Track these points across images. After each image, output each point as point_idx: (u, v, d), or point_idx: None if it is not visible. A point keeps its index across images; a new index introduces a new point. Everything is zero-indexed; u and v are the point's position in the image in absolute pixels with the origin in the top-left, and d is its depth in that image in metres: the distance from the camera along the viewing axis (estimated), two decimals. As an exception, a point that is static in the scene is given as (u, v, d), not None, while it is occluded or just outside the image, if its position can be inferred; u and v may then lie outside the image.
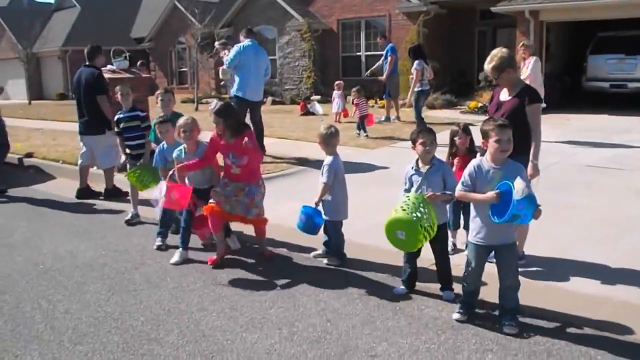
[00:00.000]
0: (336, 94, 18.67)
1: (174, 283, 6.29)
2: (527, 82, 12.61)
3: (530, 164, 6.07)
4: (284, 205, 8.56)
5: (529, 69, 12.87)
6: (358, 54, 26.02)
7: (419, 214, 5.34)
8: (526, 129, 6.10)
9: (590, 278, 5.93)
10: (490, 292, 5.41)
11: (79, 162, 10.43)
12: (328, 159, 6.73)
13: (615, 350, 4.67)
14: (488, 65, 6.27)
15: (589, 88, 20.17)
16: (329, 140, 6.78)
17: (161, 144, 7.66)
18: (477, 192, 5.09)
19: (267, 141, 14.28)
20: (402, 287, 5.97)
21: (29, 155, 13.81)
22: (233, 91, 12.50)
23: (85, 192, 10.27)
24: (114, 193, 10.22)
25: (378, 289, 6.03)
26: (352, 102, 16.76)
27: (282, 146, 13.79)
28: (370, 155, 12.68)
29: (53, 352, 4.87)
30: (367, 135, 15.12)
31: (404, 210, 5.35)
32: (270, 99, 26.33)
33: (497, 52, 6.30)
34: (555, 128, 15.31)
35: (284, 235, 7.42)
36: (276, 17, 27.88)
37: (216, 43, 13.10)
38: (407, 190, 5.84)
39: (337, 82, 19.19)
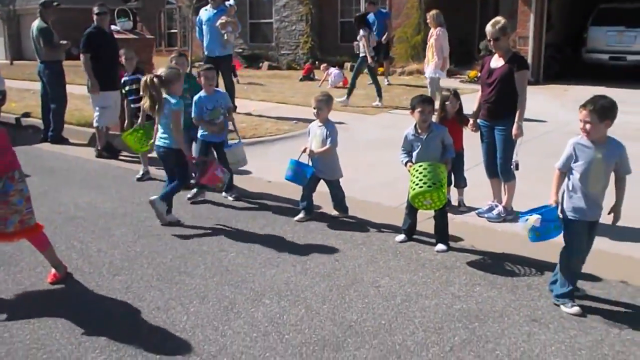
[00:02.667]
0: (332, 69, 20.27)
1: (193, 229, 7.31)
2: (434, 54, 13.99)
3: (515, 124, 7.13)
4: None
5: (435, 40, 14.11)
6: (357, 19, 26.71)
7: (437, 180, 6.37)
8: (514, 94, 7.13)
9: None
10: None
11: None
12: (329, 124, 7.70)
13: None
14: (494, 27, 7.19)
15: (589, 60, 21.00)
16: (330, 104, 7.80)
17: (198, 95, 8.37)
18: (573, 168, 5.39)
19: (266, 105, 15.40)
20: (402, 235, 7.01)
21: (27, 115, 14.72)
22: (228, 51, 14.36)
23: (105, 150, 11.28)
24: (105, 153, 11.22)
25: (380, 237, 7.10)
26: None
27: (281, 111, 14.78)
28: (370, 121, 13.74)
29: (95, 281, 5.94)
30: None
31: (419, 186, 6.35)
32: (266, 63, 27.21)
33: (500, 19, 7.31)
34: (553, 98, 16.38)
35: (290, 193, 8.37)
36: (273, -22, 28.54)
37: (229, 3, 14.22)
38: (407, 153, 6.87)
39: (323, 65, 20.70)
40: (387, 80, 19.87)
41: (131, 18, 13.18)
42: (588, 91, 17.35)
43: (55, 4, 12.40)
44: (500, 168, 7.42)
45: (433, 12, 14.44)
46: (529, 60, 19.57)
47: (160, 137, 7.53)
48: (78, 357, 4.59)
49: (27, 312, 5.31)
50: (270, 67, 27.02)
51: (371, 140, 11.73)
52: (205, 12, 14.70)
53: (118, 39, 11.83)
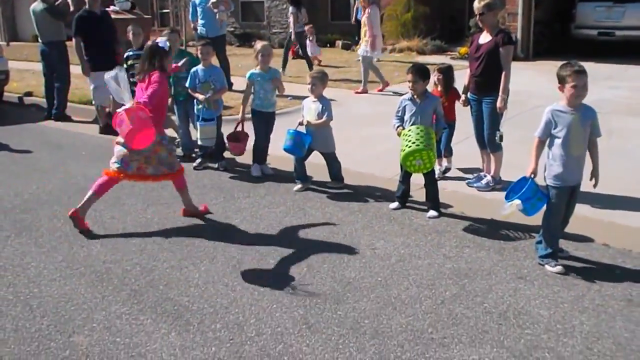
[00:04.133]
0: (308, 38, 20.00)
1: (198, 198, 7.71)
2: (367, 31, 14.32)
3: (499, 98, 7.52)
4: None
5: (367, 18, 14.59)
6: (348, -4, 27.02)
7: (429, 143, 6.80)
8: (500, 68, 7.52)
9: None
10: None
11: None
12: (324, 99, 8.19)
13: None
14: (480, 2, 7.58)
15: (578, 35, 21.09)
16: (325, 80, 8.31)
17: (195, 68, 9.04)
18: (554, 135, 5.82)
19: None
20: (396, 202, 7.46)
21: (29, 94, 15.12)
22: (223, 30, 14.99)
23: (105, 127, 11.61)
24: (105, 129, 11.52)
25: (374, 205, 7.55)
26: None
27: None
28: (361, 97, 14.22)
29: (113, 244, 6.43)
30: None
31: (415, 144, 6.74)
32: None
33: None
34: (541, 73, 16.73)
35: (288, 164, 8.76)
36: (264, -44, 28.72)
37: None
38: (400, 118, 7.29)
39: (307, 27, 20.47)
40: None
41: (130, -1, 13.59)
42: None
43: None
44: (487, 139, 7.84)
45: None
46: (518, 37, 19.96)
47: None
48: (103, 308, 5.06)
49: (52, 271, 5.78)
50: (262, 46, 27.21)
51: (363, 116, 12.14)
52: None
53: (117, 19, 12.18)
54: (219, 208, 7.46)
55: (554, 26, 21.77)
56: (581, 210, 6.56)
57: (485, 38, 7.72)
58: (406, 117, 7.24)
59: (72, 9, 12.48)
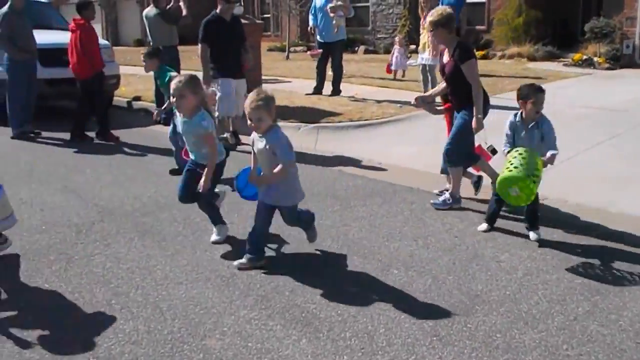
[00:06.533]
0: (397, 49, 18.93)
1: (313, 206, 7.76)
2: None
3: (474, 119, 7.25)
4: (399, 148, 10.05)
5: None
6: (455, 1, 26.84)
7: (534, 172, 6.24)
8: (468, 86, 7.25)
9: None
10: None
11: None
12: (273, 134, 5.81)
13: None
14: (428, 19, 7.48)
15: None
16: (270, 106, 5.75)
17: None
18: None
19: (369, 89, 15.96)
20: (485, 224, 7.11)
21: (137, 98, 15.66)
22: (339, 36, 15.15)
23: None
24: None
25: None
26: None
27: (383, 94, 15.29)
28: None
29: (235, 248, 6.58)
30: None
31: (516, 167, 6.21)
32: (362, 48, 27.69)
33: (439, 9, 7.49)
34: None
35: (404, 175, 8.85)
36: (371, -41, 28.89)
37: None
38: (510, 143, 6.69)
39: (397, 38, 20.21)
40: None
41: (241, 3, 13.88)
42: None
43: None
44: (444, 150, 7.66)
45: None
46: (637, 43, 19.52)
47: None
48: (232, 313, 5.20)
49: (178, 275, 5.98)
50: (366, 51, 27.46)
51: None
52: None
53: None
54: (336, 216, 7.56)
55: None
56: None
57: (446, 57, 7.51)
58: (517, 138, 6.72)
59: (184, 13, 12.83)
